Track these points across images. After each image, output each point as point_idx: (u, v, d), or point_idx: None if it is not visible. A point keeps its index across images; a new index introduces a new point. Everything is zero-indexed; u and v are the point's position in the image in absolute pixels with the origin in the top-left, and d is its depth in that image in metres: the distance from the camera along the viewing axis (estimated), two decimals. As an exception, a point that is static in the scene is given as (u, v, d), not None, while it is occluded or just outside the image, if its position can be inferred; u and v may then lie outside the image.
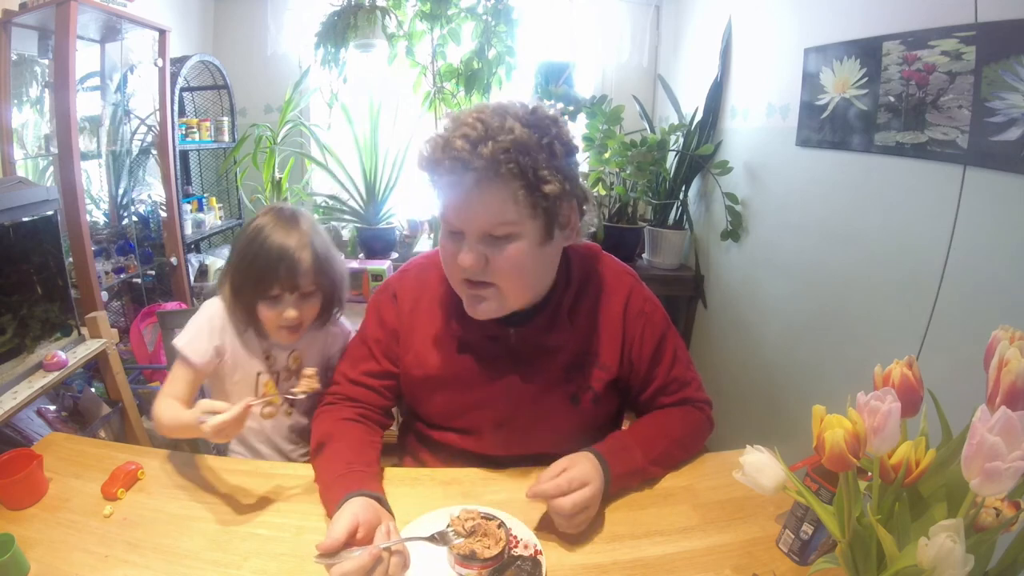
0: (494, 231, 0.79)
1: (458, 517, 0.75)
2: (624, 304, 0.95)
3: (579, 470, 0.79)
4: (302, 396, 0.87)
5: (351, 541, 0.68)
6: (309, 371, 0.89)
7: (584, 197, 0.87)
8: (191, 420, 0.82)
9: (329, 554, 0.65)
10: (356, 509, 0.71)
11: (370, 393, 0.98)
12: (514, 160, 0.75)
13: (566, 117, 2.28)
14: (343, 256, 1.09)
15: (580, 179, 0.86)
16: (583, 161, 2.46)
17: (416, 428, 1.05)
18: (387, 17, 2.22)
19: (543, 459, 0.94)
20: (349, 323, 1.18)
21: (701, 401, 1.01)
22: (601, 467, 0.83)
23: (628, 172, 2.27)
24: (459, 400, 0.95)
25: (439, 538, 0.74)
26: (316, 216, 2.64)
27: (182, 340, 1.01)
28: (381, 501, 0.77)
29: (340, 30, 2.17)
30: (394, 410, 1.09)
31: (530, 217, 0.79)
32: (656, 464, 0.91)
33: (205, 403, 0.83)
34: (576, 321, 0.93)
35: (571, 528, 0.77)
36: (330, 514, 0.77)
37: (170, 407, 0.93)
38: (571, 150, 0.83)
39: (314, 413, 1.00)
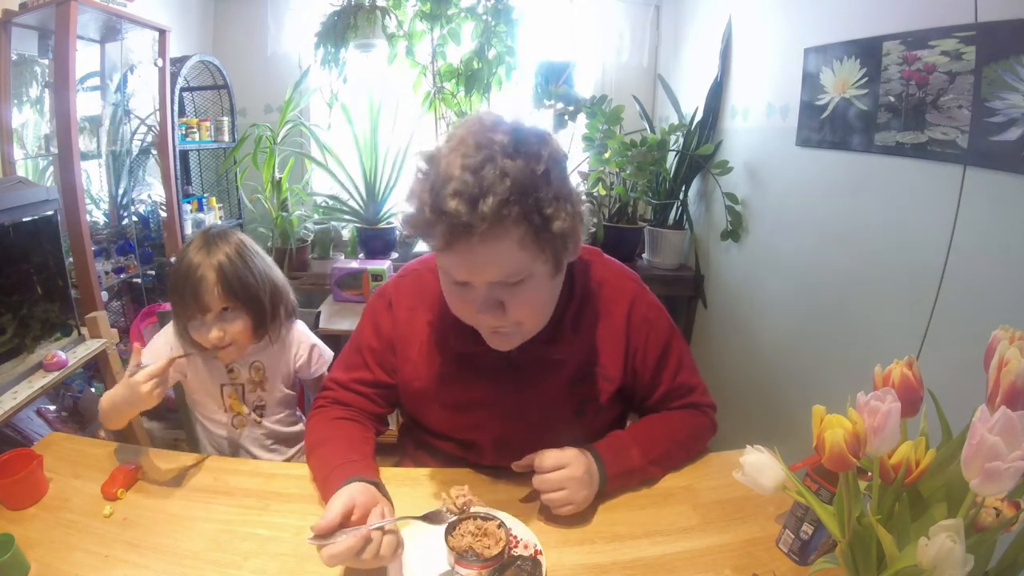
0: (505, 280, 0.74)
1: (449, 495, 0.75)
2: (627, 312, 0.93)
3: (561, 453, 0.82)
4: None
5: (346, 523, 0.67)
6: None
7: (579, 208, 0.80)
8: (124, 387, 0.85)
9: (323, 535, 0.65)
10: (353, 491, 0.71)
11: (362, 400, 0.97)
12: (517, 206, 0.68)
13: (566, 117, 2.31)
14: (279, 270, 1.10)
15: (572, 183, 0.79)
16: (583, 161, 2.46)
17: (416, 434, 1.04)
18: (387, 17, 2.22)
19: None
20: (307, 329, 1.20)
21: (706, 405, 1.00)
22: (596, 464, 0.84)
23: (628, 172, 2.28)
24: (459, 416, 0.94)
25: (432, 518, 0.74)
26: (316, 215, 2.68)
27: (147, 357, 1.00)
28: (379, 487, 0.77)
29: (340, 30, 2.18)
30: (393, 414, 1.09)
31: (540, 259, 0.74)
32: (655, 464, 0.91)
33: (133, 366, 0.87)
34: (579, 332, 0.90)
35: (552, 507, 0.80)
36: None
37: (110, 392, 0.92)
38: (563, 160, 0.77)
39: (308, 415, 1.00)
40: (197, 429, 1.18)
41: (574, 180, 2.51)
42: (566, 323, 0.89)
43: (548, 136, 0.75)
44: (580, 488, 0.80)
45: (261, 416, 1.13)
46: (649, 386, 0.96)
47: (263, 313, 1.04)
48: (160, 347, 1.08)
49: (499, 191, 0.66)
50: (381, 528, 0.67)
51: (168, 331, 1.10)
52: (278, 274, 1.10)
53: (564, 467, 0.80)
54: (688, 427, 0.97)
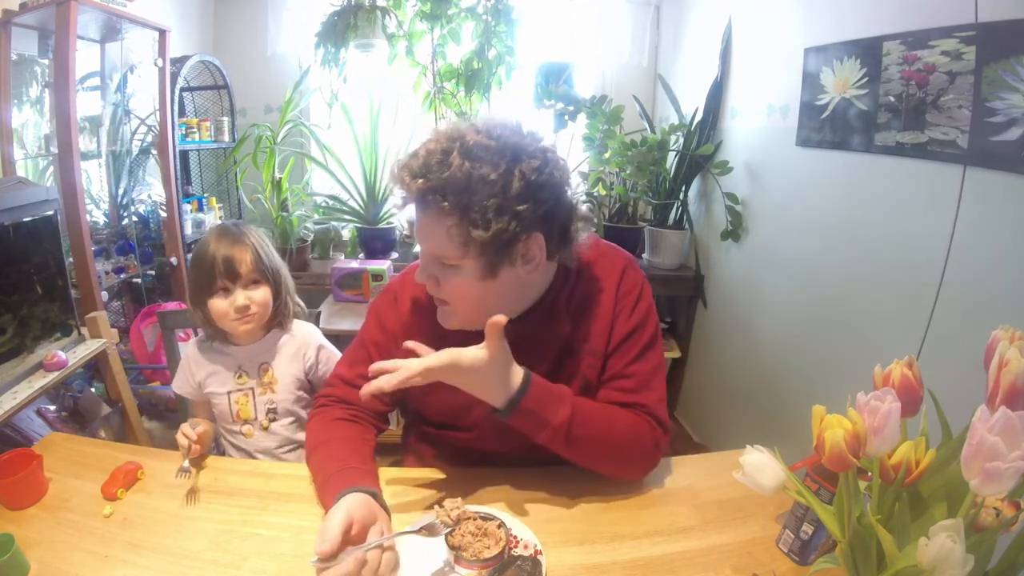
0: (439, 259, 0.81)
1: (443, 508, 0.75)
2: (617, 284, 0.93)
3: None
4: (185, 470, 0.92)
5: (346, 539, 0.68)
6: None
7: (563, 225, 0.81)
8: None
9: (328, 558, 0.65)
10: (351, 505, 0.71)
11: None
12: (444, 199, 0.74)
13: (566, 117, 2.31)
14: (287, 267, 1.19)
15: (561, 205, 0.80)
16: (583, 161, 2.46)
17: (418, 428, 1.05)
18: (387, 17, 2.22)
19: (542, 453, 0.93)
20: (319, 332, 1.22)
21: (659, 419, 0.89)
22: (520, 379, 0.80)
23: (628, 172, 2.28)
24: (457, 398, 0.93)
25: (428, 530, 0.74)
26: (316, 215, 2.68)
27: (174, 383, 1.19)
28: (376, 497, 0.77)
29: (340, 30, 2.18)
30: (394, 413, 1.10)
31: (464, 256, 0.77)
32: (571, 442, 0.82)
33: (184, 428, 0.96)
34: (571, 309, 0.91)
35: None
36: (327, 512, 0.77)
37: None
38: (539, 183, 0.76)
39: (308, 415, 1.00)
40: (221, 441, 1.19)
41: (575, 180, 2.53)
42: (560, 304, 0.90)
43: (533, 157, 0.76)
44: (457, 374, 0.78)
45: (273, 419, 1.13)
46: (611, 354, 0.91)
47: (280, 291, 1.13)
48: (183, 372, 1.16)
49: (431, 178, 0.74)
50: (380, 546, 0.68)
51: (185, 358, 1.17)
52: (287, 270, 1.18)
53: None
54: (630, 432, 0.87)
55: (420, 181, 0.75)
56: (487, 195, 0.73)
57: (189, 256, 2.34)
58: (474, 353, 0.77)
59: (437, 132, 0.79)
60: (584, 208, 0.87)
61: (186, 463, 0.91)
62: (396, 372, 0.77)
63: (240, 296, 1.06)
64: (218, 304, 1.06)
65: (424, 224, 0.80)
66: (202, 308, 1.08)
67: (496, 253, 0.77)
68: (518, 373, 0.81)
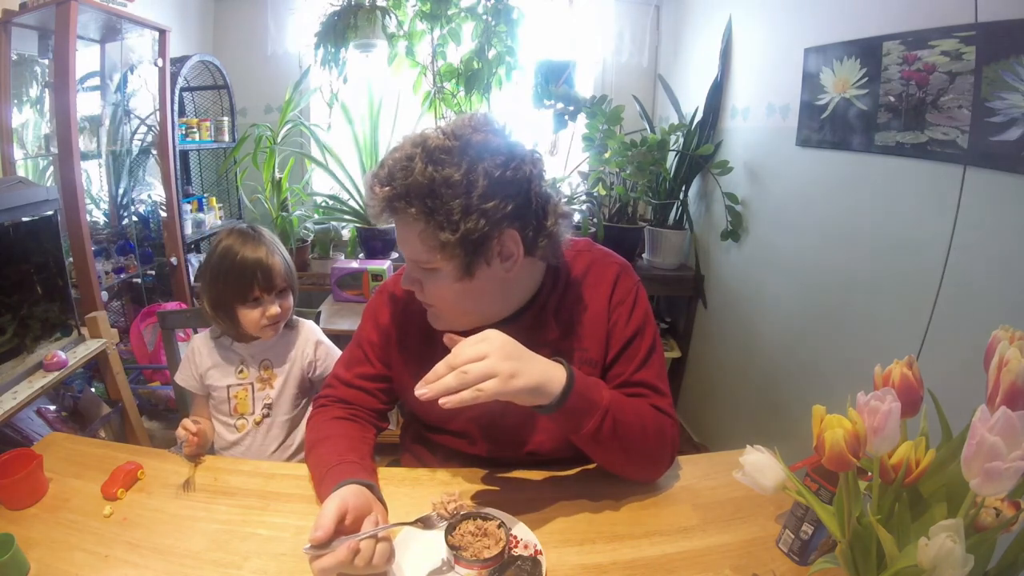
0: (417, 263, 0.81)
1: (440, 501, 0.75)
2: (610, 291, 0.91)
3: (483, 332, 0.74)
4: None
5: (341, 528, 0.68)
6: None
7: (538, 221, 0.80)
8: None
9: (321, 546, 0.65)
10: (345, 495, 0.71)
11: (364, 395, 0.98)
12: (410, 205, 0.75)
13: (566, 117, 2.31)
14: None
15: (531, 199, 0.79)
16: (583, 161, 2.46)
17: (415, 429, 1.05)
18: (387, 17, 2.22)
19: (536, 458, 0.93)
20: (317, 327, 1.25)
21: (674, 419, 0.89)
22: (564, 371, 0.77)
23: (628, 172, 2.28)
24: None
25: (424, 523, 0.74)
26: (316, 215, 2.68)
27: (177, 375, 1.20)
28: (373, 489, 0.77)
29: (340, 30, 2.18)
30: (393, 413, 1.10)
31: (441, 258, 0.77)
32: (612, 429, 0.79)
33: (185, 421, 0.99)
34: (561, 316, 0.90)
35: (474, 385, 0.69)
36: None
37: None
38: (504, 179, 0.75)
39: (308, 415, 1.01)
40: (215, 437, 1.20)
41: (575, 180, 2.54)
42: (548, 310, 0.89)
43: (497, 153, 0.76)
44: (505, 358, 0.71)
45: (267, 415, 1.15)
46: (615, 363, 0.90)
47: (297, 294, 1.17)
48: (186, 365, 1.17)
49: (396, 185, 0.76)
50: (375, 536, 0.68)
51: (190, 350, 1.17)
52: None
53: (483, 340, 0.73)
54: (655, 423, 0.86)
55: (387, 189, 0.76)
56: (451, 197, 0.73)
57: (191, 257, 2.35)
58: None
59: (404, 140, 0.80)
60: (564, 205, 0.85)
61: (180, 444, 0.95)
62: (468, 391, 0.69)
63: (274, 306, 1.09)
64: (250, 313, 1.08)
65: (397, 231, 0.81)
66: (225, 312, 1.09)
67: (469, 253, 0.77)
68: (551, 361, 0.77)
